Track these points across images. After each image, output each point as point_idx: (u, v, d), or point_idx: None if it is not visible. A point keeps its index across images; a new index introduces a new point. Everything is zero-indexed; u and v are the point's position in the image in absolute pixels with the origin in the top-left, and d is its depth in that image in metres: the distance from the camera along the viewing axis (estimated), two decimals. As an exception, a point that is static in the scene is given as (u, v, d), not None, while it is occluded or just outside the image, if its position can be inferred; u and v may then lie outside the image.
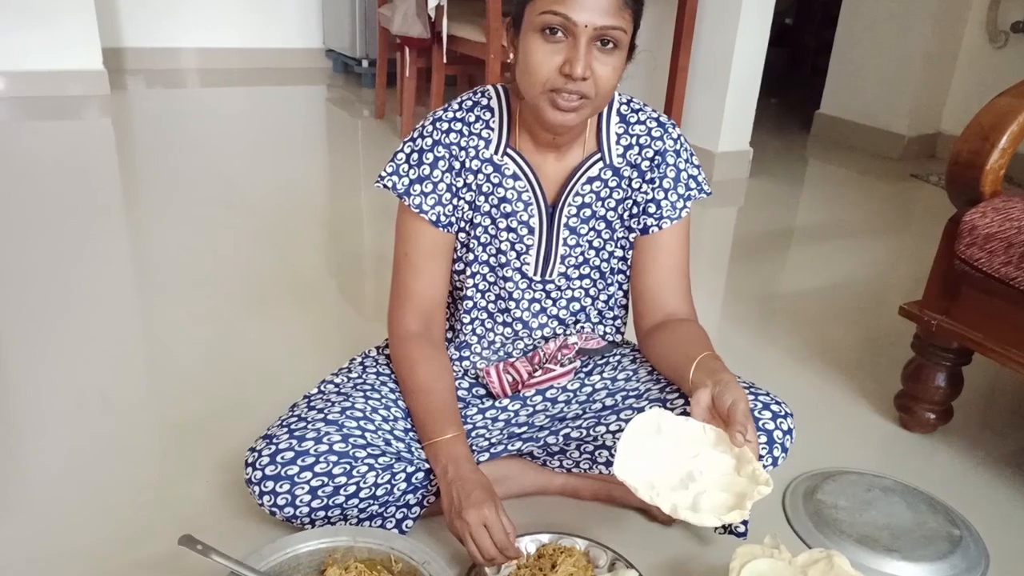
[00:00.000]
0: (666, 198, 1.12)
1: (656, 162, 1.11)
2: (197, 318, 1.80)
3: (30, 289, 1.89)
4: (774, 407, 1.06)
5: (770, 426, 1.04)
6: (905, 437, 1.49)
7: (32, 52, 3.56)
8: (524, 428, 1.13)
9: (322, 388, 1.14)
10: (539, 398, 1.16)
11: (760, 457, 1.02)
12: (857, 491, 1.30)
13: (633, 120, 1.12)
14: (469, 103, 1.11)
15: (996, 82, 3.06)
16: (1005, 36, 3.33)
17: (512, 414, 1.15)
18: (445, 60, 2.98)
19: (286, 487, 0.99)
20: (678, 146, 1.12)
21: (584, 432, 1.09)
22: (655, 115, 1.13)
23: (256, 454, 1.02)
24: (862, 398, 1.62)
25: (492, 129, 1.10)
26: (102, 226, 2.32)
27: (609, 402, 1.12)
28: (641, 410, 1.08)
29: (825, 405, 1.59)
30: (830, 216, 2.87)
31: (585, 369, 1.19)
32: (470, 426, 1.14)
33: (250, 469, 1.01)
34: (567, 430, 1.10)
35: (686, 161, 1.13)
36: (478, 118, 1.10)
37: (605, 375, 1.17)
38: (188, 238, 2.27)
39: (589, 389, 1.15)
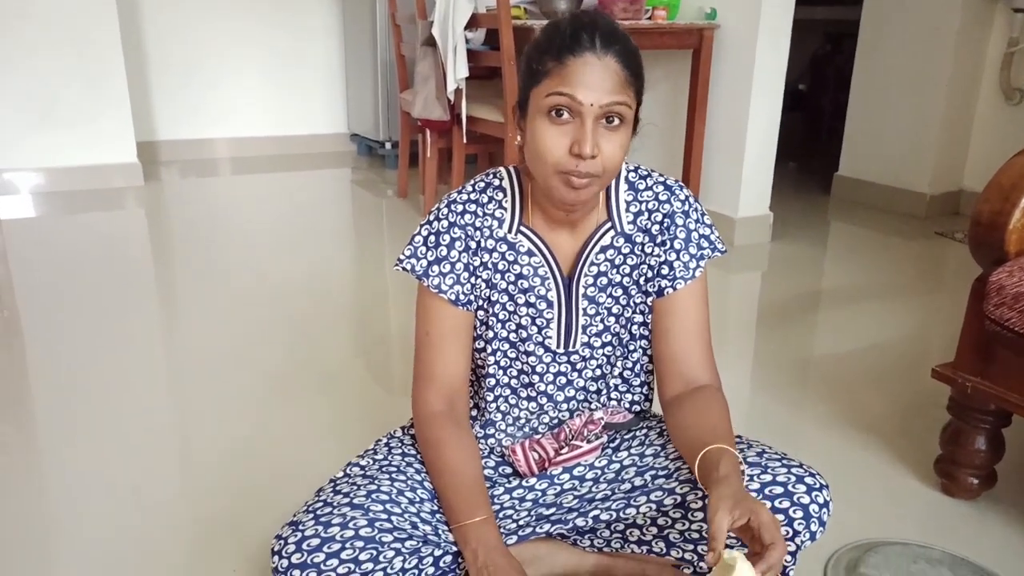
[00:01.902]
0: (678, 258, 1.12)
1: (665, 224, 1.12)
2: (226, 403, 1.81)
3: (65, 378, 1.93)
4: (808, 479, 1.03)
5: (805, 500, 1.01)
6: (949, 504, 1.44)
7: (70, 149, 3.74)
8: (552, 510, 1.11)
9: (348, 471, 1.13)
10: (567, 476, 1.14)
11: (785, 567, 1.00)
12: (902, 563, 1.25)
13: (641, 187, 1.14)
14: (482, 184, 1.14)
15: (1015, 138, 3.07)
16: (1020, 94, 3.34)
17: (540, 494, 1.14)
18: (465, 140, 3.07)
19: (313, 575, 0.98)
20: (686, 207, 1.14)
21: (613, 514, 1.07)
22: (662, 179, 1.15)
23: (282, 542, 1.01)
24: (901, 464, 1.57)
25: (505, 209, 1.13)
26: (133, 314, 2.38)
27: (638, 482, 1.10)
28: (671, 491, 1.06)
29: (863, 472, 1.55)
30: (856, 278, 2.85)
31: (612, 444, 1.18)
32: (497, 506, 1.12)
33: (276, 558, 1.00)
34: (596, 512, 1.07)
35: (696, 221, 1.14)
36: (491, 199, 1.13)
37: (633, 451, 1.15)
38: (217, 322, 2.31)
39: (617, 466, 1.14)
